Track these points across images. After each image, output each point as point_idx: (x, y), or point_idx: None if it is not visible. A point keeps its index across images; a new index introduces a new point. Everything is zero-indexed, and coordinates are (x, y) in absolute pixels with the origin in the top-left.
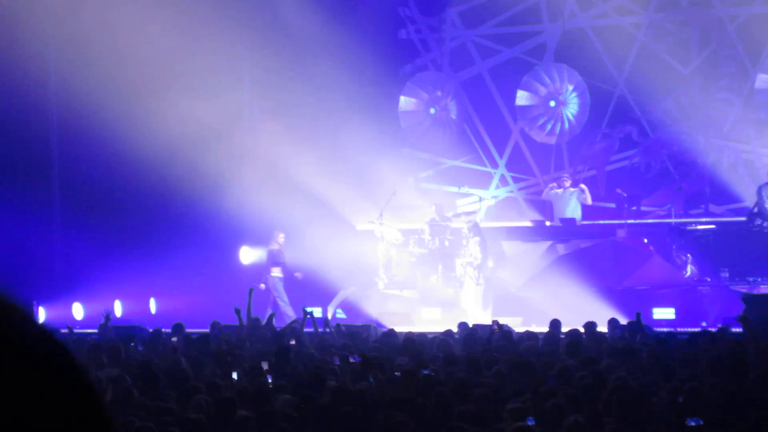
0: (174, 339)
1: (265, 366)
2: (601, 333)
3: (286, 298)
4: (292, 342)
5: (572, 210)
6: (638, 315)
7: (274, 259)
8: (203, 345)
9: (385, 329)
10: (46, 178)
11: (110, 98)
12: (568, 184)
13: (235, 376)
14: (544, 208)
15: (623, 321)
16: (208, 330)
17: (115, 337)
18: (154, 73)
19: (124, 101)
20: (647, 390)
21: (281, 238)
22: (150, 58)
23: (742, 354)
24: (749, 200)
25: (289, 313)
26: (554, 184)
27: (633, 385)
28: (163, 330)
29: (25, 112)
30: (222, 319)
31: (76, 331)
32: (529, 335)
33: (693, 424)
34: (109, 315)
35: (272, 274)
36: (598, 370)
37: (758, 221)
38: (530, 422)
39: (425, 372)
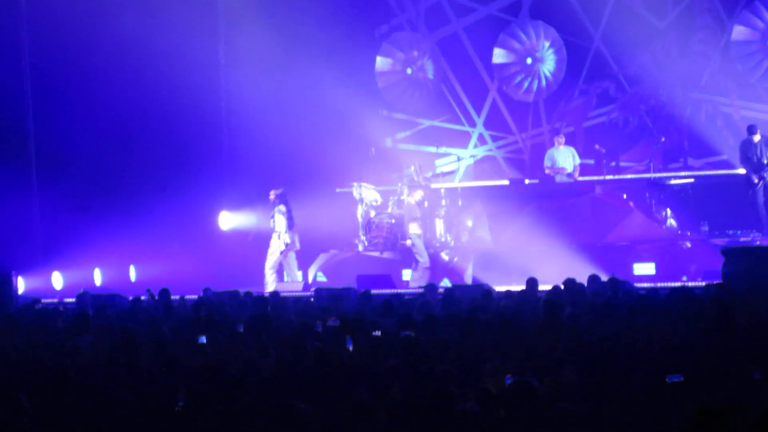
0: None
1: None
2: (581, 289)
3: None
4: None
5: (570, 167)
6: (613, 276)
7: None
8: (186, 311)
9: (365, 291)
10: (22, 146)
11: (86, 62)
12: (562, 141)
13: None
14: (523, 166)
15: (604, 278)
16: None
17: (94, 306)
18: (128, 35)
19: (101, 65)
20: (624, 347)
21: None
22: (124, 20)
23: (726, 309)
24: (728, 153)
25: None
26: (559, 139)
27: (610, 343)
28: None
29: None
30: (205, 285)
31: (54, 300)
32: (508, 294)
33: (673, 380)
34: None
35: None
36: (577, 327)
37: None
38: (508, 381)
39: (404, 333)
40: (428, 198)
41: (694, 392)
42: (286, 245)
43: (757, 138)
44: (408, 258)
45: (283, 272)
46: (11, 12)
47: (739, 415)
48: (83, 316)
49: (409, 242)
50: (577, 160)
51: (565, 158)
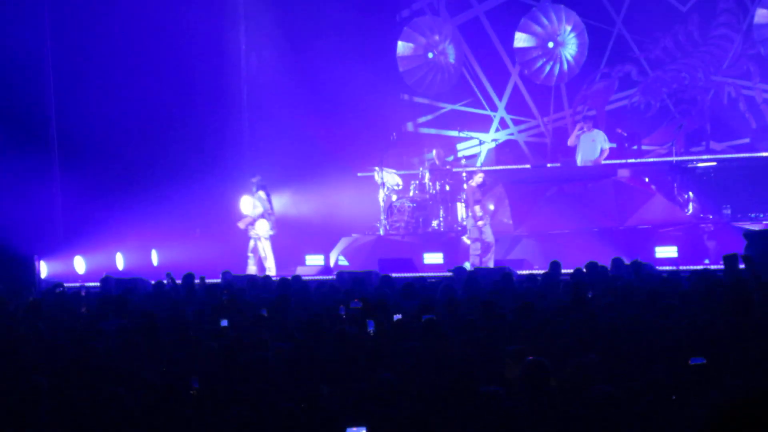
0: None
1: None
2: (603, 272)
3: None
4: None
5: (596, 152)
6: (636, 260)
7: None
8: (208, 295)
9: (386, 275)
10: (43, 132)
11: (107, 49)
12: (585, 127)
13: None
14: (544, 150)
15: (627, 261)
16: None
17: (118, 290)
18: (149, 20)
19: (122, 51)
20: (645, 330)
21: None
22: (145, 5)
23: (746, 292)
24: (750, 136)
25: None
26: (582, 124)
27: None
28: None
29: (22, 65)
30: (225, 268)
31: (77, 284)
32: (530, 277)
33: (696, 362)
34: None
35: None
36: (599, 311)
37: None
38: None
39: (427, 317)
40: (449, 182)
41: (716, 375)
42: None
43: None
44: (429, 242)
45: (258, 258)
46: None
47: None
48: (107, 300)
49: (480, 223)
50: (606, 145)
51: (589, 142)
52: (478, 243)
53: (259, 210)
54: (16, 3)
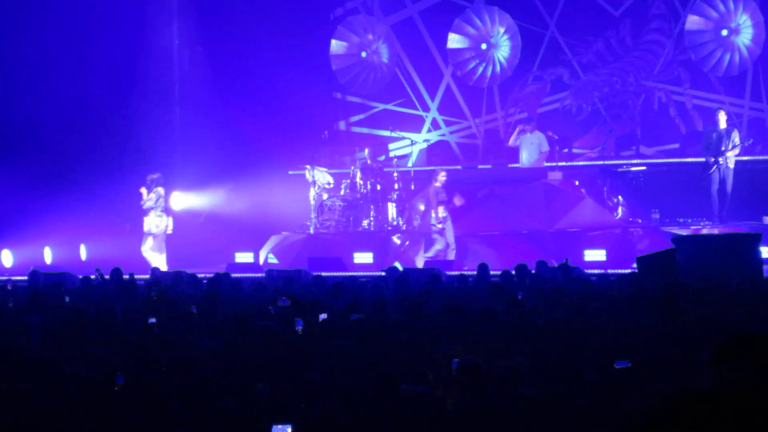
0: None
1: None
2: (531, 275)
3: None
4: None
5: (537, 154)
6: (566, 261)
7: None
8: (134, 291)
9: (316, 274)
10: None
11: (37, 39)
12: (527, 128)
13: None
14: (476, 151)
15: (555, 263)
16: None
17: (45, 284)
18: (81, 13)
19: (52, 42)
20: (573, 332)
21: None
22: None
23: (674, 295)
24: (679, 142)
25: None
26: (523, 126)
27: (559, 329)
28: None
29: None
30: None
31: (4, 278)
32: (462, 278)
33: (621, 366)
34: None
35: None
36: (528, 312)
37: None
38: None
39: (355, 316)
40: (380, 182)
41: (641, 378)
42: (165, 227)
43: (721, 126)
44: (359, 241)
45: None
46: None
47: (703, 401)
48: (34, 294)
49: (440, 226)
50: (546, 147)
51: (529, 145)
52: (442, 240)
53: (150, 204)
54: None
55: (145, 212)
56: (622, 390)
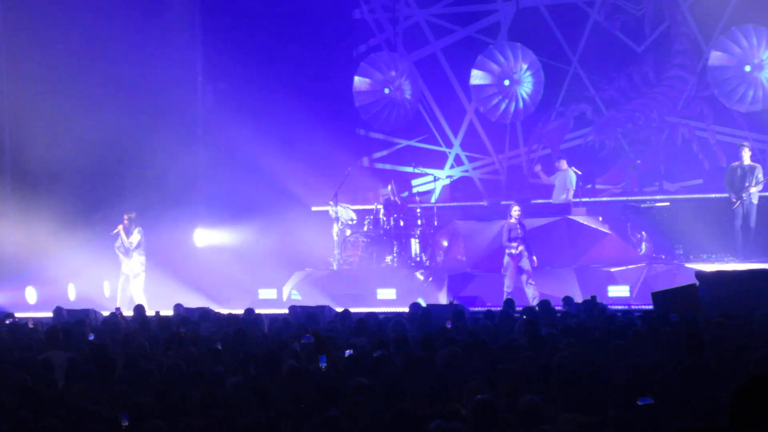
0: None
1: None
2: (556, 311)
3: None
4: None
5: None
6: (593, 297)
7: None
8: (161, 328)
9: (340, 310)
10: None
11: (63, 79)
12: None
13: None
14: (499, 187)
15: (578, 299)
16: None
17: (70, 321)
18: (107, 51)
19: (78, 83)
20: (597, 369)
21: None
22: (102, 40)
23: (698, 332)
24: (703, 177)
25: None
26: (558, 163)
27: (581, 365)
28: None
29: None
30: (177, 301)
31: (28, 315)
32: (487, 314)
33: (644, 403)
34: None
35: None
36: (549, 350)
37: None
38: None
39: (378, 353)
40: (403, 218)
41: (664, 415)
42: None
43: (745, 161)
44: (382, 277)
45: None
46: None
47: None
48: (57, 331)
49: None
50: (573, 185)
51: (559, 181)
52: (524, 275)
53: (133, 245)
54: None
55: (125, 254)
56: (645, 427)
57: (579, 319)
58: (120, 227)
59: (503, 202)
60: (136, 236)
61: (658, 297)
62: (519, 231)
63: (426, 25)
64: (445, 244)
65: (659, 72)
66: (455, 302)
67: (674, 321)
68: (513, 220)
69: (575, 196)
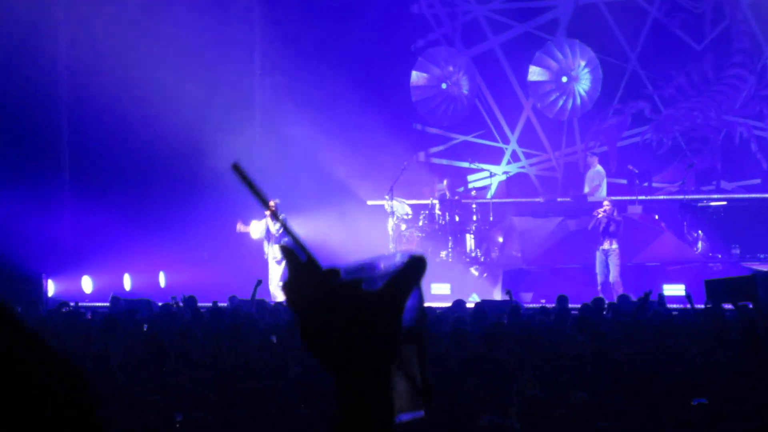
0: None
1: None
2: (609, 308)
3: None
4: None
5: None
6: (647, 294)
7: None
8: (214, 319)
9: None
10: (55, 151)
11: (121, 70)
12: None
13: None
14: (555, 184)
15: (634, 297)
16: (211, 304)
17: (125, 310)
18: (166, 47)
19: (136, 73)
20: (652, 367)
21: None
22: (162, 34)
23: (754, 331)
24: (761, 177)
25: None
26: (592, 159)
27: (638, 363)
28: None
29: (35, 85)
30: (232, 292)
31: (85, 303)
32: (542, 310)
33: (698, 402)
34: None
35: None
36: (605, 347)
37: None
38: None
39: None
40: (459, 213)
41: (719, 416)
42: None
43: None
44: (437, 272)
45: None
46: (49, 19)
47: None
48: (113, 320)
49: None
50: (596, 182)
51: (590, 179)
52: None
53: (276, 232)
54: (31, 28)
55: (276, 240)
56: (699, 428)
57: (634, 317)
58: (267, 215)
59: (559, 199)
60: (278, 223)
61: (712, 286)
62: (612, 227)
63: (484, 21)
64: (501, 240)
65: (718, 70)
66: (511, 297)
67: (731, 320)
68: (602, 215)
69: (632, 193)
